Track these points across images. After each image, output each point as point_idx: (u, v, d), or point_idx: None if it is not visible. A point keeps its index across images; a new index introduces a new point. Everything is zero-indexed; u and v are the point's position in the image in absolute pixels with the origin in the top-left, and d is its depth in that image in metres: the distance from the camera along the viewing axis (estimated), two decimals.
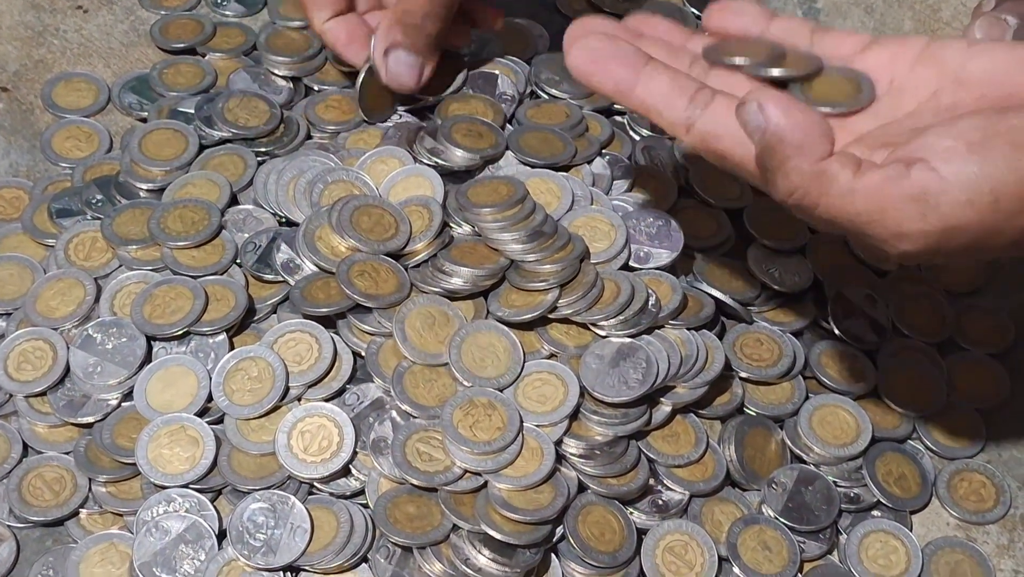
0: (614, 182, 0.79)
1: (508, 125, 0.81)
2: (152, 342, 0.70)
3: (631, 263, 0.73)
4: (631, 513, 0.68)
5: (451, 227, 0.73)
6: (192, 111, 0.81)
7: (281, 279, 0.72)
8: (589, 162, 0.79)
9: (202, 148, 0.79)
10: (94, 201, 0.76)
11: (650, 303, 0.70)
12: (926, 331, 0.76)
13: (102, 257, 0.74)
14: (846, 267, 0.77)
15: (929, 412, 0.73)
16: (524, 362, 0.69)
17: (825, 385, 0.73)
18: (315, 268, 0.72)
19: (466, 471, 0.66)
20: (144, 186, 0.77)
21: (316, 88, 0.83)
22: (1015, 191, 0.53)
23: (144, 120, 0.81)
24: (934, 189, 0.53)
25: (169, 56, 0.85)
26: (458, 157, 0.76)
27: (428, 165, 0.76)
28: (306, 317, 0.70)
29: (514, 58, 0.84)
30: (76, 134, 0.81)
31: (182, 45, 0.85)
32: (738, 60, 0.60)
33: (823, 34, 0.62)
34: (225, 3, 0.89)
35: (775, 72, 0.60)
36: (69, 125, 0.81)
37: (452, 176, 0.76)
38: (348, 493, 0.67)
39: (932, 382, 0.74)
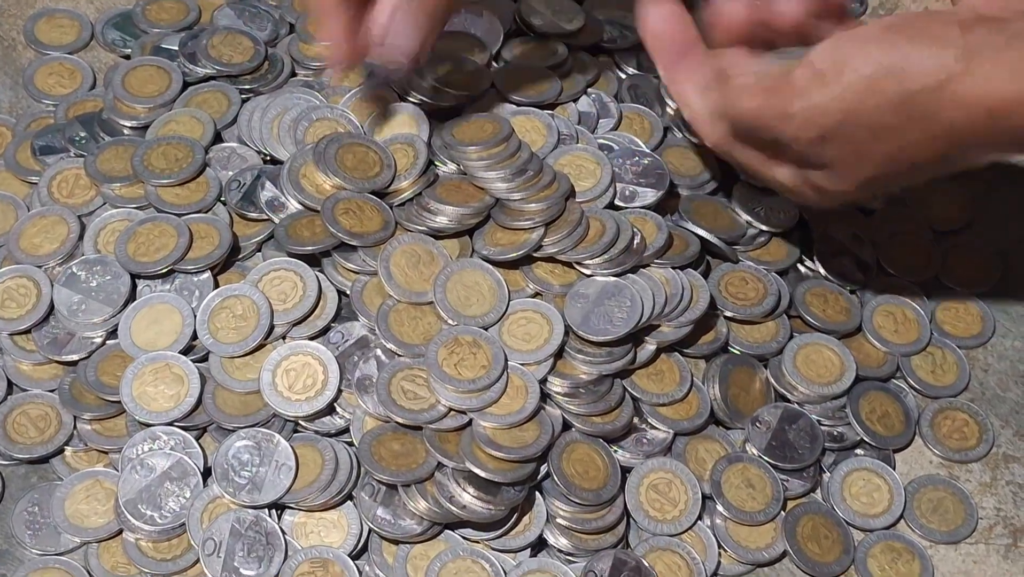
0: (600, 120, 0.78)
1: (493, 63, 0.80)
2: (136, 280, 0.70)
3: (617, 202, 0.73)
4: (615, 451, 0.68)
5: (436, 165, 0.73)
6: (176, 48, 0.80)
7: (266, 217, 0.72)
8: (575, 100, 0.79)
9: (186, 85, 0.78)
10: (77, 138, 0.76)
11: (635, 242, 0.70)
12: (911, 270, 0.77)
13: (86, 194, 0.74)
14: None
15: (913, 351, 0.74)
16: (509, 300, 0.69)
17: (810, 324, 0.73)
18: (299, 206, 0.71)
19: (451, 409, 0.66)
20: (127, 123, 0.76)
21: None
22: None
23: (127, 57, 0.81)
24: (801, 77, 0.60)
25: None
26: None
27: (413, 103, 0.76)
28: (290, 255, 0.70)
29: None
30: (59, 71, 0.80)
31: None
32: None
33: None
34: None
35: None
36: (52, 62, 0.81)
37: (437, 113, 0.76)
38: (333, 431, 0.67)
39: (916, 321, 0.74)
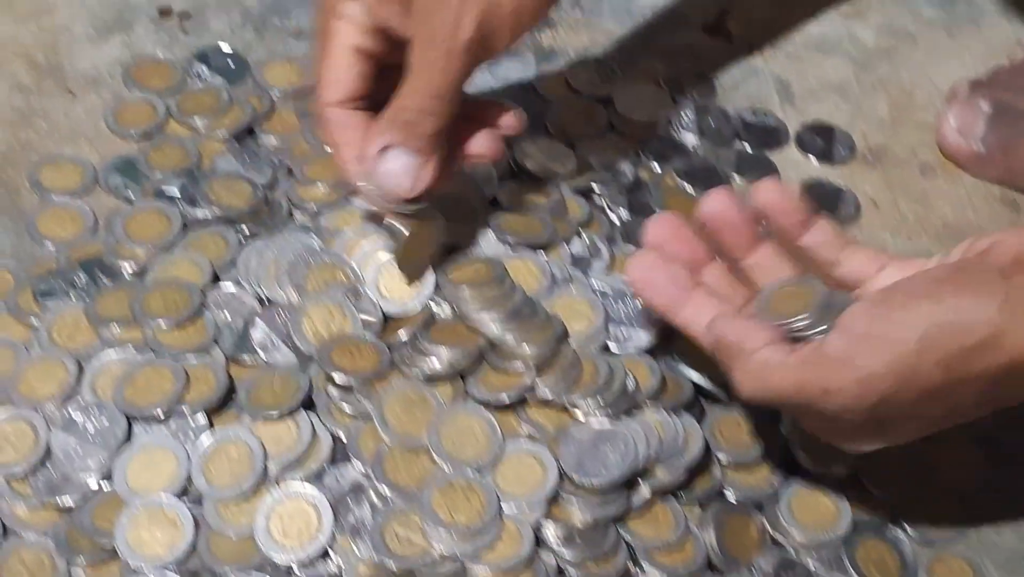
0: (592, 262, 0.79)
1: (489, 205, 0.82)
2: (133, 422, 0.70)
3: (609, 344, 0.73)
4: None
5: (432, 305, 0.74)
6: (176, 192, 0.81)
7: (260, 362, 0.73)
8: (568, 242, 0.80)
9: (186, 228, 0.80)
10: (78, 282, 0.77)
11: (629, 385, 0.71)
12: None
13: (85, 338, 0.74)
14: None
15: (909, 497, 0.74)
16: (503, 444, 0.69)
17: (804, 469, 0.73)
18: (290, 351, 0.72)
19: (445, 556, 0.66)
20: (128, 266, 0.77)
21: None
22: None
23: (130, 201, 0.82)
24: (841, 347, 0.59)
25: (154, 137, 0.86)
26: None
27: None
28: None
29: None
30: (61, 215, 0.81)
31: (137, 132, 0.86)
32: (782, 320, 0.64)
33: (853, 251, 0.68)
34: (206, 75, 0.90)
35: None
36: (55, 206, 0.82)
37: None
38: None
39: (911, 466, 0.74)
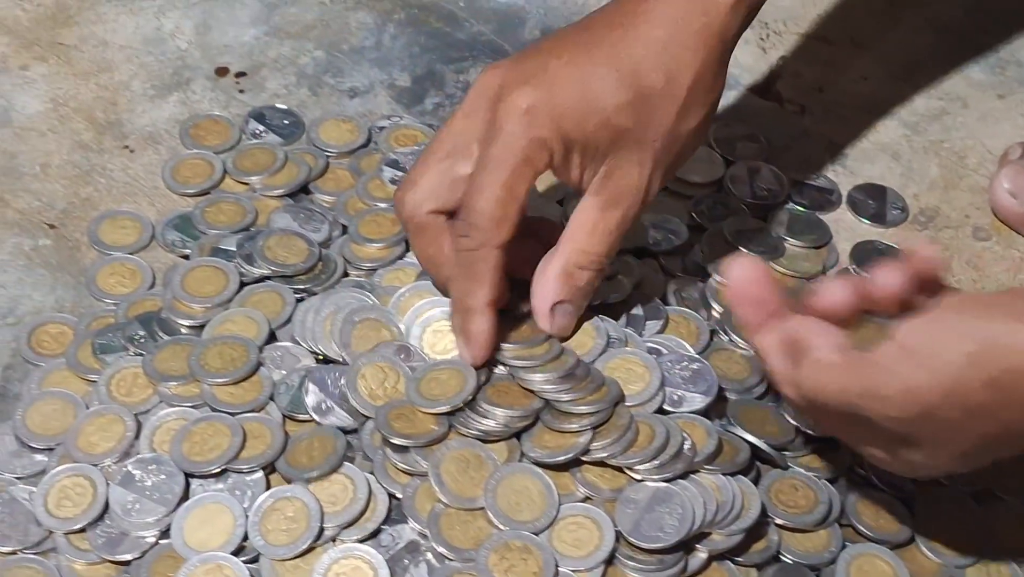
0: (647, 322, 0.79)
1: None
2: (190, 479, 0.71)
3: (665, 406, 0.74)
4: None
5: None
6: (233, 248, 0.82)
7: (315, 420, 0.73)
8: (622, 302, 0.80)
9: (242, 285, 0.80)
10: (137, 337, 0.77)
11: (685, 447, 0.71)
12: (963, 479, 0.76)
13: (143, 393, 0.75)
14: None
15: (967, 563, 0.73)
16: (559, 505, 0.69)
17: (862, 533, 0.73)
18: (346, 413, 0.73)
19: None
20: (185, 322, 0.78)
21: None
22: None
23: (186, 257, 0.83)
24: (891, 356, 0.59)
25: (211, 194, 0.87)
26: None
27: None
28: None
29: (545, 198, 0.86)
30: (120, 271, 0.82)
31: (194, 189, 0.87)
32: None
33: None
34: (262, 133, 0.91)
35: None
36: (113, 262, 0.83)
37: None
38: None
39: (970, 531, 0.74)
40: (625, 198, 0.72)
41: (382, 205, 0.85)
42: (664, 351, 0.76)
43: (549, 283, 0.72)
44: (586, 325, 0.76)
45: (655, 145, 0.72)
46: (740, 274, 0.66)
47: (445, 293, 0.75)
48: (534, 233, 0.74)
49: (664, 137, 0.72)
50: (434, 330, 0.76)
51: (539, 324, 0.73)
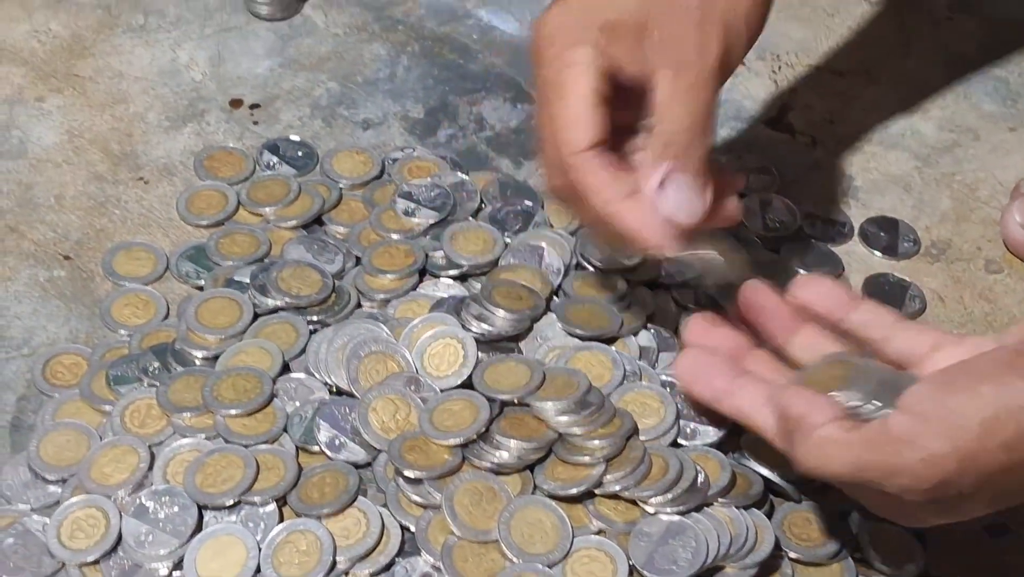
0: (660, 354, 0.79)
1: (555, 296, 0.82)
2: (203, 510, 0.71)
3: (679, 440, 0.74)
4: None
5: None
6: (247, 280, 0.82)
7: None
8: (635, 334, 0.80)
9: (256, 316, 0.80)
10: (151, 368, 0.78)
11: (699, 480, 0.71)
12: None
13: (157, 424, 0.75)
14: None
15: None
16: (573, 538, 0.69)
17: (875, 567, 0.72)
18: (360, 448, 0.73)
19: None
20: (199, 353, 0.78)
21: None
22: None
23: (200, 288, 0.83)
24: (905, 428, 0.59)
25: (225, 225, 0.87)
26: (500, 319, 0.78)
27: (475, 333, 0.77)
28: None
29: (559, 231, 0.86)
30: (134, 302, 0.82)
31: (208, 220, 0.87)
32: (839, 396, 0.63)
33: (904, 328, 0.67)
34: (276, 164, 0.91)
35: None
36: (128, 293, 0.83)
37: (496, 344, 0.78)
38: None
39: (984, 565, 0.74)
40: (687, 58, 0.68)
41: (395, 236, 0.85)
42: (678, 384, 0.76)
43: (648, 160, 0.68)
44: (603, 357, 0.76)
45: (708, 13, 0.69)
46: (681, 368, 0.69)
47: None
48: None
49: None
50: (430, 354, 0.76)
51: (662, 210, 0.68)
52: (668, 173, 0.68)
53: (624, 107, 0.70)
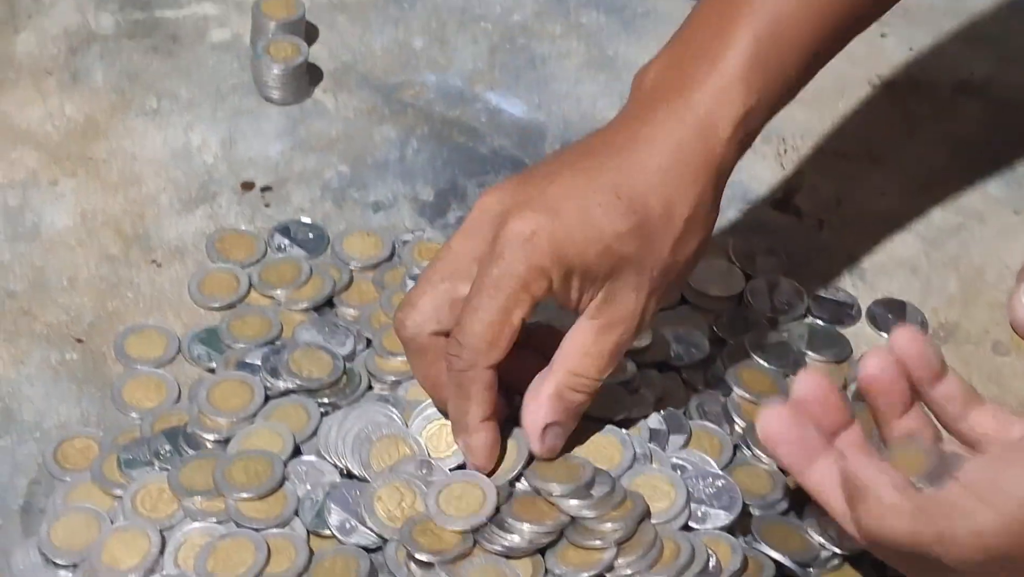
0: (670, 437, 0.79)
1: None
2: None
3: (690, 523, 0.73)
4: None
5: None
6: (259, 362, 0.83)
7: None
8: (645, 417, 0.80)
9: (268, 399, 0.81)
10: (162, 451, 0.78)
11: (710, 564, 0.71)
12: None
13: (168, 508, 0.75)
14: None
15: None
16: None
17: None
18: (372, 533, 0.73)
19: None
20: (211, 436, 0.78)
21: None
22: None
23: (212, 371, 0.84)
24: (958, 498, 0.59)
25: (236, 307, 0.88)
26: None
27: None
28: None
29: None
30: (146, 384, 0.83)
31: (219, 302, 0.88)
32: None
33: (980, 409, 0.68)
34: (287, 247, 0.92)
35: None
36: (139, 375, 0.83)
37: None
38: None
39: None
40: (621, 323, 0.72)
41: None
42: (688, 467, 0.76)
43: (542, 405, 0.72)
44: (613, 440, 0.76)
45: (652, 272, 0.72)
46: (771, 423, 0.67)
47: (446, 413, 0.75)
48: (535, 343, 0.74)
49: (661, 264, 0.72)
50: (429, 435, 0.76)
51: (531, 446, 0.73)
52: (552, 424, 0.73)
53: None
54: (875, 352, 0.69)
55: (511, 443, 0.74)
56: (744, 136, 0.74)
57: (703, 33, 0.75)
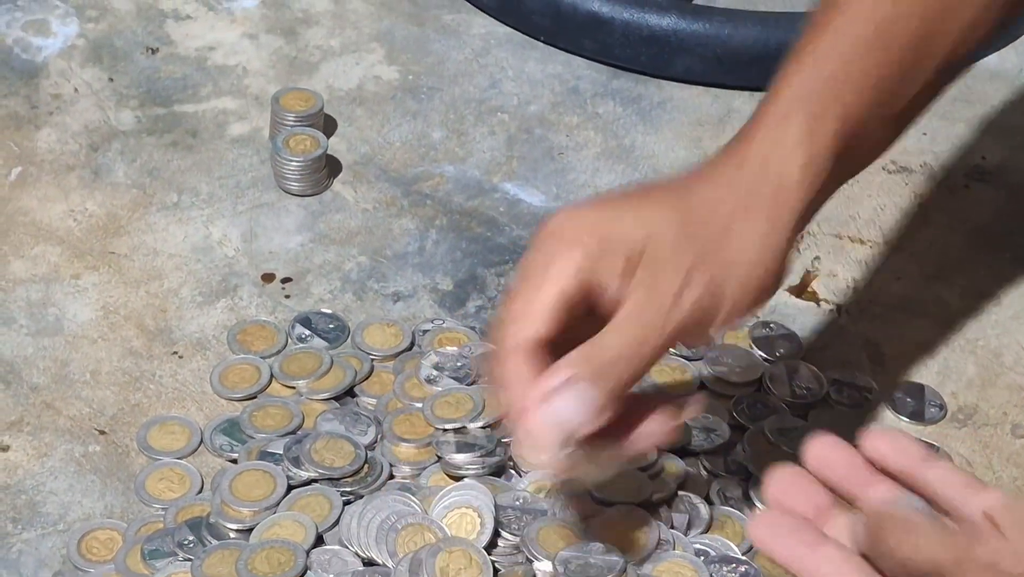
0: (691, 522, 0.79)
1: None
2: None
3: None
4: None
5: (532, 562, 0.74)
6: (280, 452, 0.83)
7: None
8: (668, 503, 0.80)
9: (290, 488, 0.81)
10: (186, 542, 0.78)
11: None
12: None
13: None
14: None
15: None
16: None
17: None
18: None
19: None
20: (233, 526, 0.79)
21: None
22: None
23: (234, 461, 0.84)
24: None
25: (258, 398, 0.88)
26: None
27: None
28: None
29: None
30: (169, 476, 0.83)
31: (240, 395, 0.88)
32: None
33: (977, 490, 0.65)
34: (308, 338, 0.92)
35: None
36: (162, 467, 0.84)
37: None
38: None
39: None
40: (657, 299, 0.68)
41: (417, 405, 0.86)
42: (711, 552, 0.76)
43: (564, 360, 0.66)
44: (638, 523, 0.76)
45: (693, 263, 0.68)
46: (762, 521, 0.64)
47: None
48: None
49: (703, 259, 0.68)
50: (447, 524, 0.77)
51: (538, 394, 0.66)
52: (570, 379, 0.66)
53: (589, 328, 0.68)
54: (821, 437, 0.66)
55: None
56: (813, 191, 0.71)
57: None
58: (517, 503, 0.78)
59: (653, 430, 0.70)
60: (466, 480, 0.79)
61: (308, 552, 0.77)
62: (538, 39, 1.16)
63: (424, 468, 0.82)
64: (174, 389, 0.89)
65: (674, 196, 0.70)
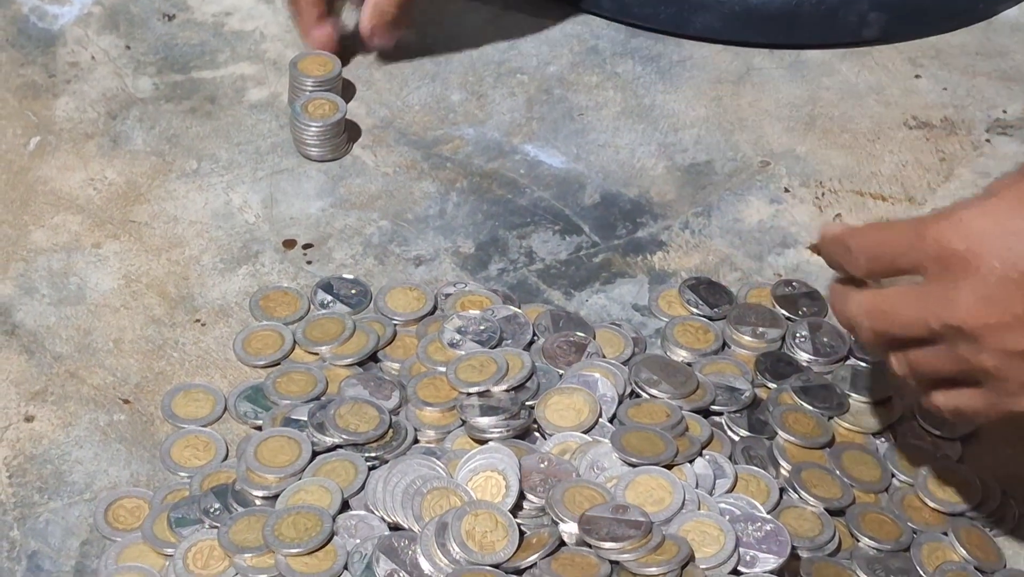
0: (716, 481, 0.79)
1: (609, 424, 0.82)
2: None
3: (739, 567, 0.73)
4: None
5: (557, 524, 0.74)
6: (305, 418, 0.83)
7: None
8: (691, 461, 0.80)
9: (315, 454, 0.81)
10: (212, 509, 0.78)
11: None
12: None
13: (219, 565, 0.75)
14: (958, 565, 0.77)
15: None
16: None
17: None
18: None
19: None
20: (259, 493, 0.79)
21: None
22: None
23: (259, 428, 0.84)
24: None
25: (282, 365, 0.88)
26: None
27: None
28: None
29: (612, 360, 0.87)
30: (194, 443, 0.83)
31: (263, 362, 0.89)
32: None
33: None
34: (330, 303, 0.92)
35: None
36: (187, 435, 0.84)
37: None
38: None
39: None
40: None
41: (440, 369, 0.86)
42: (736, 511, 0.76)
43: None
44: (663, 481, 0.76)
45: None
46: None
47: None
48: None
49: None
50: (472, 488, 0.77)
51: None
52: None
53: None
54: None
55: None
56: None
57: None
58: (542, 465, 0.78)
59: None
60: (491, 443, 0.80)
61: (334, 517, 0.77)
62: None
63: (448, 432, 0.83)
64: (197, 357, 0.89)
65: None
